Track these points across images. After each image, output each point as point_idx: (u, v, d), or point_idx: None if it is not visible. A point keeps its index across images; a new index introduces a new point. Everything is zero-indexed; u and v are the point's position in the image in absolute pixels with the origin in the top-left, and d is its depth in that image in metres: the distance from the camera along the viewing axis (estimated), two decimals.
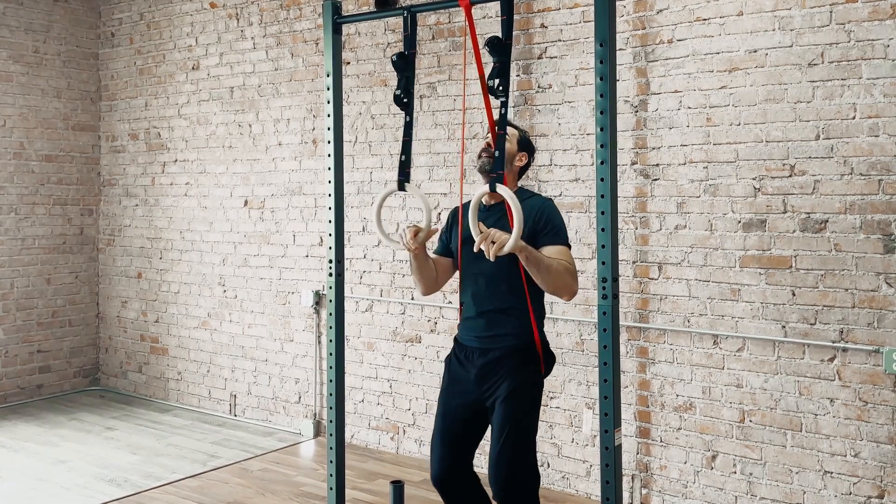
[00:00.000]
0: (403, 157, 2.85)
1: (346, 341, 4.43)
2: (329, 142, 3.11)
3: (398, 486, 3.08)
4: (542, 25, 4.13)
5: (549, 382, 4.11)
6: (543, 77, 4.13)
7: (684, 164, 3.72)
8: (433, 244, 3.22)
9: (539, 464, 4.15)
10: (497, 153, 2.55)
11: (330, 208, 3.12)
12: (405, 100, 2.84)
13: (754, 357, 3.56)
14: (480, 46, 2.61)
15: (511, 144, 2.81)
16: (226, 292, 5.51)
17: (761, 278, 3.53)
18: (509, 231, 2.49)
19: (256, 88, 5.32)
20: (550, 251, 2.64)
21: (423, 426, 4.60)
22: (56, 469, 4.42)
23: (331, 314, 3.13)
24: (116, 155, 6.20)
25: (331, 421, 3.13)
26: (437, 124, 4.51)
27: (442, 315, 4.50)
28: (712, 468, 3.67)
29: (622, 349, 3.86)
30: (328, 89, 3.10)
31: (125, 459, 4.58)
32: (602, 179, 2.48)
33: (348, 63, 4.83)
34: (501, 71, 2.54)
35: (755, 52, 3.53)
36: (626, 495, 3.86)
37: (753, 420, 3.56)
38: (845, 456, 3.35)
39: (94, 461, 4.54)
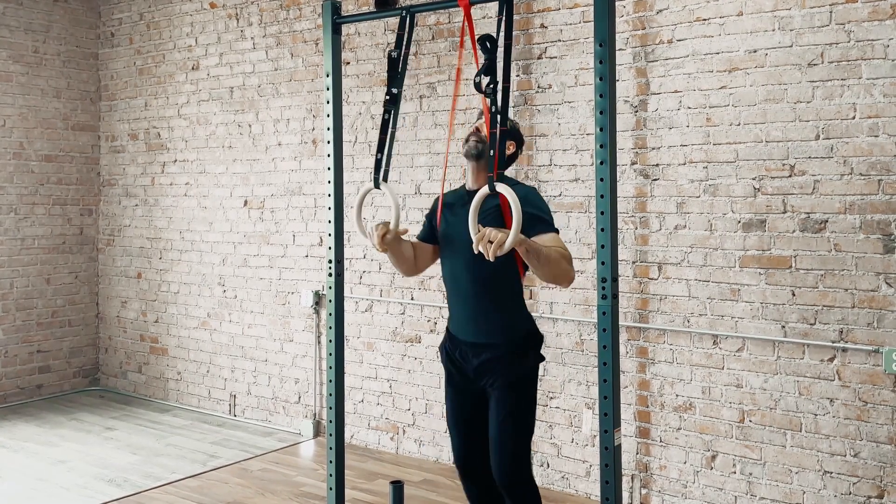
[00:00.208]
0: (379, 154, 2.84)
1: (345, 341, 4.43)
2: (329, 142, 3.11)
3: (398, 486, 3.08)
4: (542, 25, 4.13)
5: (549, 382, 4.12)
6: (543, 77, 4.13)
7: (684, 164, 3.72)
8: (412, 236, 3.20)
9: (539, 464, 4.16)
10: (492, 152, 2.53)
11: (330, 208, 3.12)
12: (387, 97, 2.85)
13: (754, 357, 3.56)
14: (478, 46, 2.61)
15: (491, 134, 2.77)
16: (225, 292, 5.51)
17: (761, 278, 3.53)
18: (500, 224, 2.49)
19: (256, 88, 5.32)
20: (543, 240, 2.62)
21: (422, 426, 4.60)
22: (56, 469, 4.42)
23: (330, 314, 3.13)
24: (116, 155, 6.20)
25: (330, 421, 3.13)
26: (437, 124, 4.51)
27: (442, 315, 4.50)
28: (712, 468, 3.67)
29: (622, 349, 3.86)
30: (328, 89, 3.10)
31: (125, 459, 4.58)
32: (602, 179, 2.48)
33: (348, 63, 4.83)
34: (490, 69, 2.54)
35: (755, 52, 3.53)
36: (625, 495, 3.86)
37: (753, 420, 3.56)
38: (845, 456, 3.35)
39: (94, 461, 4.54)
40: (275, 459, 4.63)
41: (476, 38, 2.62)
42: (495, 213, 2.65)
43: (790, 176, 3.46)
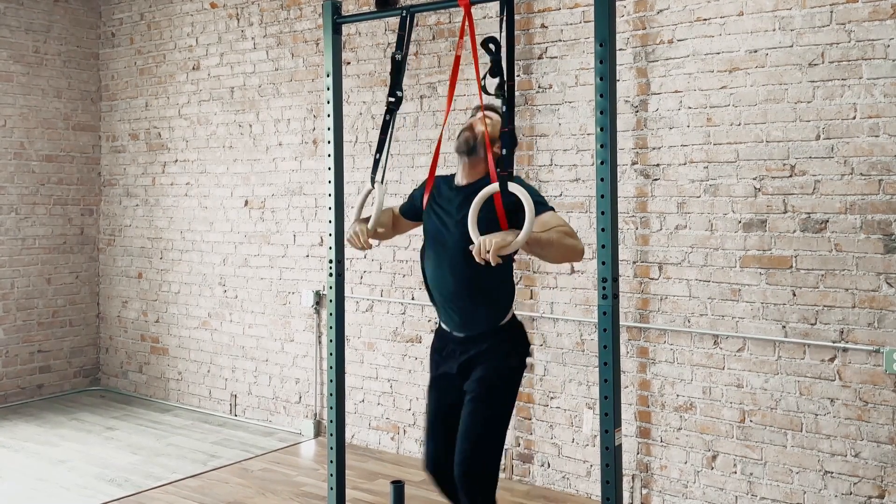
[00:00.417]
0: (378, 155, 2.85)
1: (346, 341, 4.43)
2: (329, 142, 3.11)
3: (398, 486, 3.08)
4: (543, 25, 4.13)
5: (549, 382, 4.12)
6: (544, 77, 4.13)
7: (685, 164, 3.72)
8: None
9: (540, 464, 4.16)
10: (505, 151, 2.52)
11: (330, 208, 3.12)
12: (391, 99, 2.86)
13: (755, 357, 3.56)
14: (479, 46, 2.61)
15: (492, 130, 2.71)
16: (226, 292, 5.51)
17: (762, 278, 3.53)
18: (494, 224, 2.48)
19: (257, 88, 5.32)
20: (543, 219, 2.54)
21: (423, 426, 4.60)
22: (56, 469, 4.42)
23: (331, 314, 3.13)
24: (117, 155, 6.21)
25: (331, 421, 3.13)
26: (438, 124, 4.51)
27: None
28: (713, 468, 3.67)
29: (622, 349, 3.86)
30: (328, 89, 3.10)
31: (125, 459, 4.58)
32: (602, 179, 2.48)
33: (348, 63, 4.83)
34: (498, 69, 2.54)
35: (755, 52, 3.52)
36: (626, 495, 3.86)
37: (754, 420, 3.56)
38: (846, 456, 3.35)
39: (95, 461, 4.54)
40: (275, 459, 4.63)
41: (479, 40, 2.62)
42: (490, 216, 2.63)
43: (791, 176, 3.46)
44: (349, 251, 4.76)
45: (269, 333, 5.28)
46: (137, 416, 5.50)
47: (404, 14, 2.85)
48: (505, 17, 2.59)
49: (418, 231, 3.03)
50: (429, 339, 4.55)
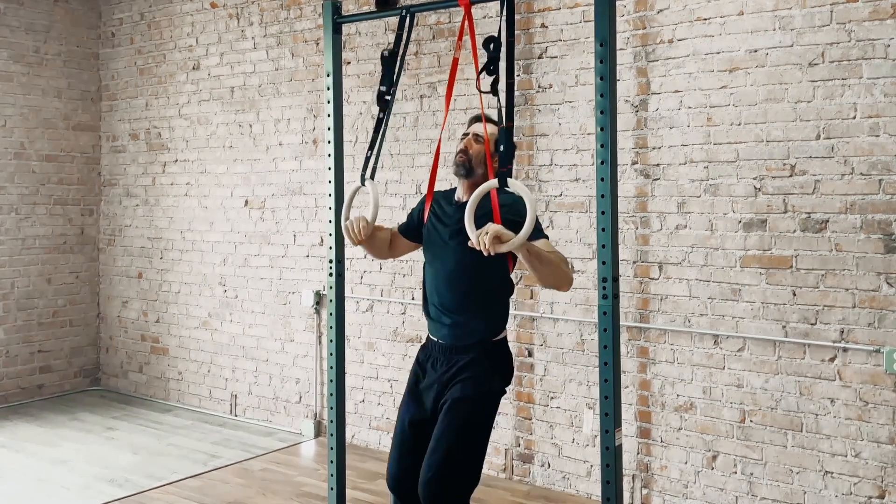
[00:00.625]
0: (370, 153, 2.84)
1: (346, 341, 4.44)
2: (329, 142, 3.12)
3: None
4: (543, 25, 4.13)
5: (549, 382, 4.12)
6: (544, 77, 4.13)
7: (685, 163, 3.72)
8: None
9: (540, 464, 4.16)
10: (503, 148, 2.49)
11: (330, 208, 3.13)
12: (387, 97, 2.85)
13: (755, 357, 3.56)
14: (479, 47, 2.61)
15: (490, 146, 2.65)
16: (226, 292, 5.51)
17: (762, 278, 3.53)
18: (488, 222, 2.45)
19: (257, 88, 5.32)
20: (538, 244, 2.52)
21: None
22: (56, 469, 4.42)
23: (331, 314, 3.13)
24: (117, 155, 6.21)
25: (331, 421, 3.13)
26: (438, 124, 4.51)
27: None
28: (713, 468, 3.67)
29: (623, 349, 3.86)
30: (328, 89, 3.11)
31: (126, 459, 4.58)
32: (602, 179, 2.48)
33: (348, 63, 4.83)
34: (494, 69, 2.53)
35: (755, 51, 3.52)
36: (626, 495, 3.86)
37: (754, 420, 3.56)
38: (846, 456, 3.35)
39: (95, 461, 4.54)
40: (276, 459, 4.63)
41: (479, 39, 2.61)
42: (487, 220, 2.60)
43: (791, 176, 3.46)
44: (349, 251, 4.76)
45: (270, 333, 5.28)
46: (137, 416, 5.50)
47: (404, 14, 2.86)
48: (506, 16, 2.58)
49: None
50: None
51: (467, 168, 2.71)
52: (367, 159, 2.86)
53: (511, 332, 4.12)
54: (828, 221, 3.38)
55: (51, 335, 6.02)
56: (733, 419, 3.61)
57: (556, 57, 4.09)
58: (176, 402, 5.79)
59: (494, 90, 2.51)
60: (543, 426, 4.15)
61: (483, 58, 2.56)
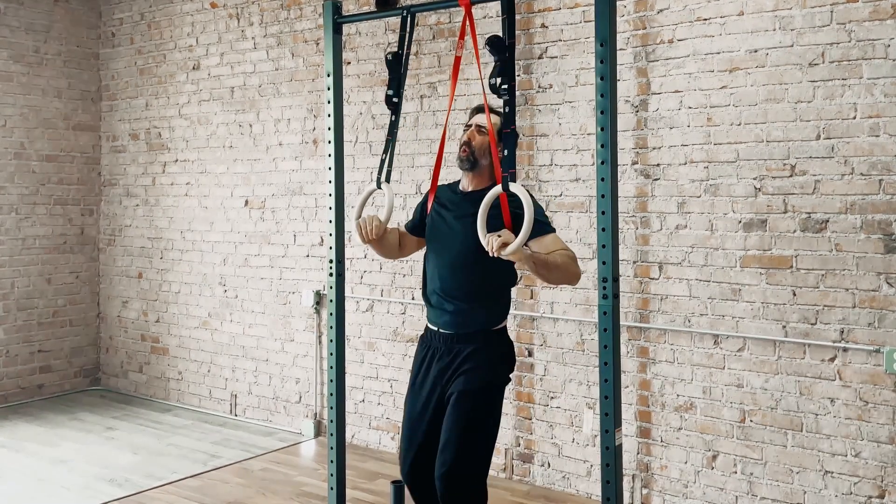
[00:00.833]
0: (385, 156, 2.86)
1: (346, 341, 4.44)
2: (329, 142, 3.11)
3: (398, 486, 3.08)
4: (543, 25, 4.13)
5: (549, 382, 4.12)
6: (544, 77, 4.13)
7: (685, 163, 3.72)
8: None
9: (540, 464, 4.16)
10: (506, 152, 2.54)
11: (330, 208, 3.13)
12: (395, 100, 2.86)
13: (755, 357, 3.56)
14: (480, 46, 2.62)
15: (495, 130, 2.69)
16: (226, 292, 5.51)
17: (762, 278, 3.53)
18: (499, 226, 2.50)
19: (257, 88, 5.32)
20: (545, 241, 2.60)
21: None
22: (56, 469, 4.42)
23: (331, 314, 3.13)
24: (117, 155, 6.21)
25: (331, 421, 3.13)
26: (438, 124, 4.51)
27: None
28: (713, 468, 3.67)
29: (623, 349, 3.86)
30: (328, 89, 3.10)
31: (126, 459, 4.58)
32: (602, 179, 2.48)
33: (349, 63, 4.83)
34: (503, 70, 2.55)
35: (756, 51, 3.52)
36: (626, 495, 3.86)
37: (754, 420, 3.56)
38: (846, 456, 3.35)
39: (95, 461, 4.54)
40: (276, 459, 4.63)
41: (479, 40, 2.62)
42: (497, 222, 2.62)
43: (791, 176, 3.46)
44: (349, 251, 4.76)
45: (270, 333, 5.28)
46: (137, 415, 5.50)
47: (404, 14, 2.86)
48: (507, 17, 2.59)
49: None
50: None
51: (472, 161, 2.77)
52: (383, 162, 2.88)
53: (511, 332, 4.11)
54: (828, 221, 3.38)
55: (51, 335, 6.02)
56: (733, 419, 3.61)
57: (556, 57, 4.09)
58: (176, 401, 5.79)
59: (499, 91, 2.54)
60: (543, 426, 4.15)
61: (484, 57, 2.58)
